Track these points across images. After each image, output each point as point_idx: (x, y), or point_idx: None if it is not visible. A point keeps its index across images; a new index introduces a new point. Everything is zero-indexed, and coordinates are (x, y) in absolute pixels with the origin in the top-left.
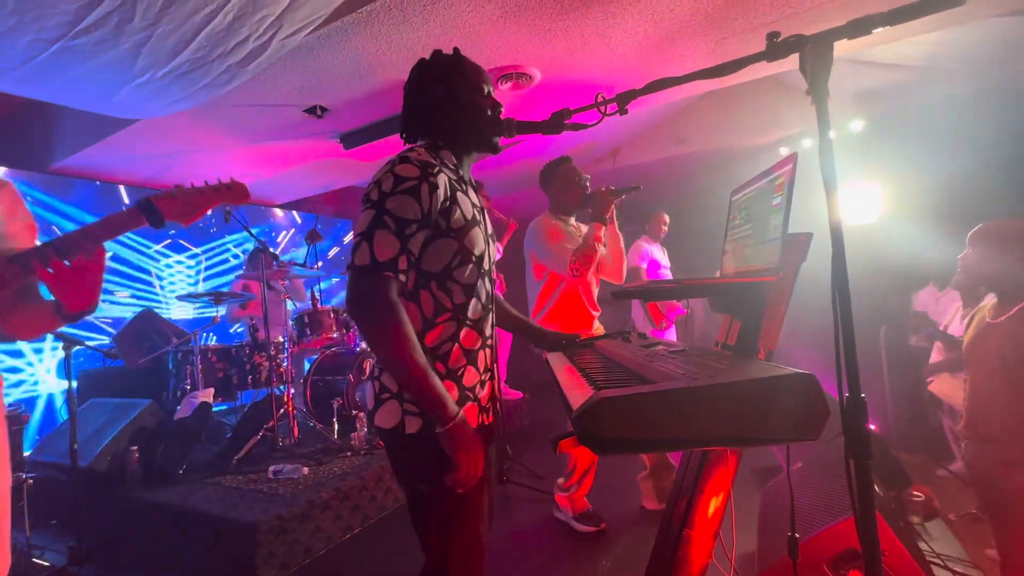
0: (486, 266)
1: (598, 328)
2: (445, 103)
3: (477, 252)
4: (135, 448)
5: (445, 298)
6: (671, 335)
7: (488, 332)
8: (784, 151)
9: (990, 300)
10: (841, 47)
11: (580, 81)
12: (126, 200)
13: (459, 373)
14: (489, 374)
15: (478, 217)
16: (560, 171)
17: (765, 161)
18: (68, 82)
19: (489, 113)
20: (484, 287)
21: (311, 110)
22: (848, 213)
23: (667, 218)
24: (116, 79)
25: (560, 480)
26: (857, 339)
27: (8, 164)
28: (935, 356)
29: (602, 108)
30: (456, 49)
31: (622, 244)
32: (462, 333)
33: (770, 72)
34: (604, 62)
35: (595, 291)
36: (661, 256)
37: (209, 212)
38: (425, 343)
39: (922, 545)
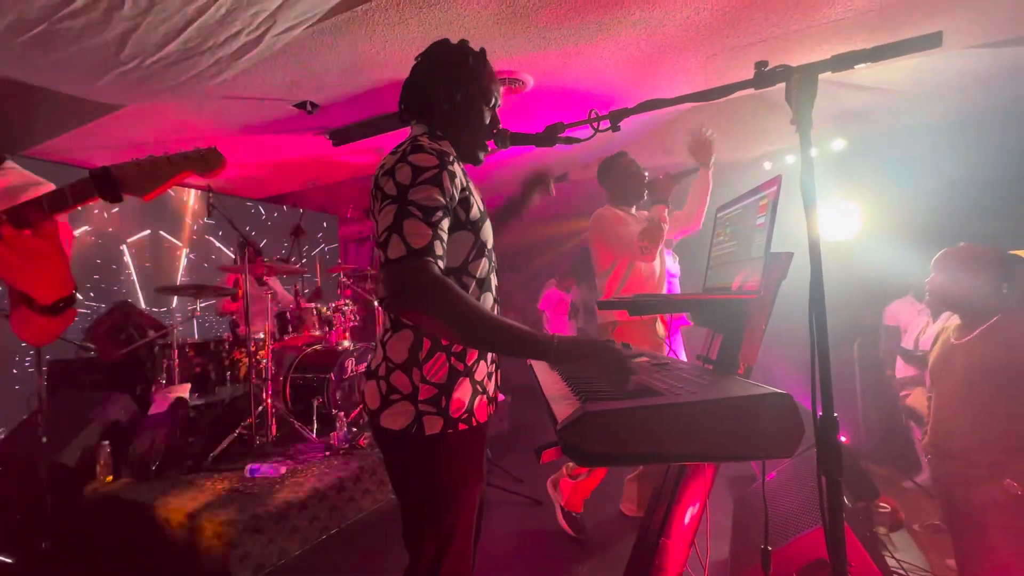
0: (495, 260)
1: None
2: (448, 102)
3: (489, 246)
4: (107, 443)
5: None
6: (678, 343)
7: None
8: (768, 166)
9: (953, 320)
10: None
11: (572, 89)
12: None
13: (473, 369)
14: (495, 365)
15: (486, 212)
16: (618, 165)
17: (749, 175)
18: (50, 65)
19: (486, 127)
20: (494, 281)
21: (301, 105)
22: (827, 229)
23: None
24: (101, 64)
25: (571, 463)
26: (832, 352)
27: None
28: (899, 368)
29: (595, 124)
30: (483, 49)
31: (708, 188)
32: None
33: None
34: (596, 72)
35: (661, 281)
36: (672, 264)
37: (173, 186)
38: (442, 341)
39: (887, 555)
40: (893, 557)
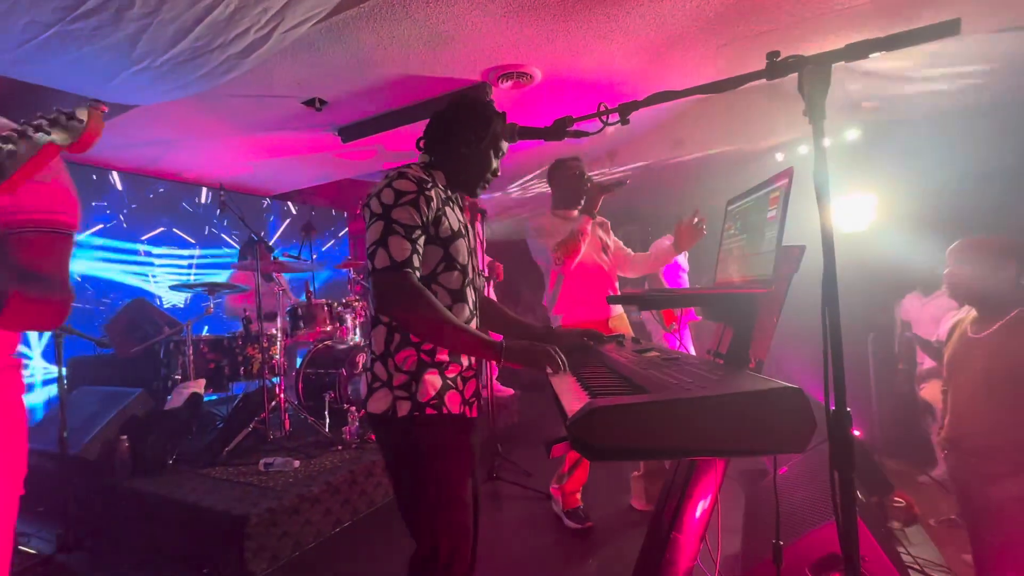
0: (470, 275)
1: (619, 316)
2: (466, 146)
3: (461, 261)
4: (125, 437)
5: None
6: (687, 339)
7: None
8: (780, 157)
9: (970, 313)
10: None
11: (581, 82)
12: (119, 187)
13: (443, 366)
14: (473, 372)
15: (463, 231)
16: (563, 168)
17: (761, 166)
18: (63, 66)
19: (491, 172)
20: (470, 295)
21: (310, 102)
22: (840, 221)
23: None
24: (113, 65)
25: (557, 471)
26: (845, 346)
27: None
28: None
29: (604, 117)
30: (504, 113)
31: (666, 262)
32: None
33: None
34: (605, 64)
35: (610, 278)
36: (682, 260)
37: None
38: (411, 338)
39: (901, 550)
40: (908, 552)
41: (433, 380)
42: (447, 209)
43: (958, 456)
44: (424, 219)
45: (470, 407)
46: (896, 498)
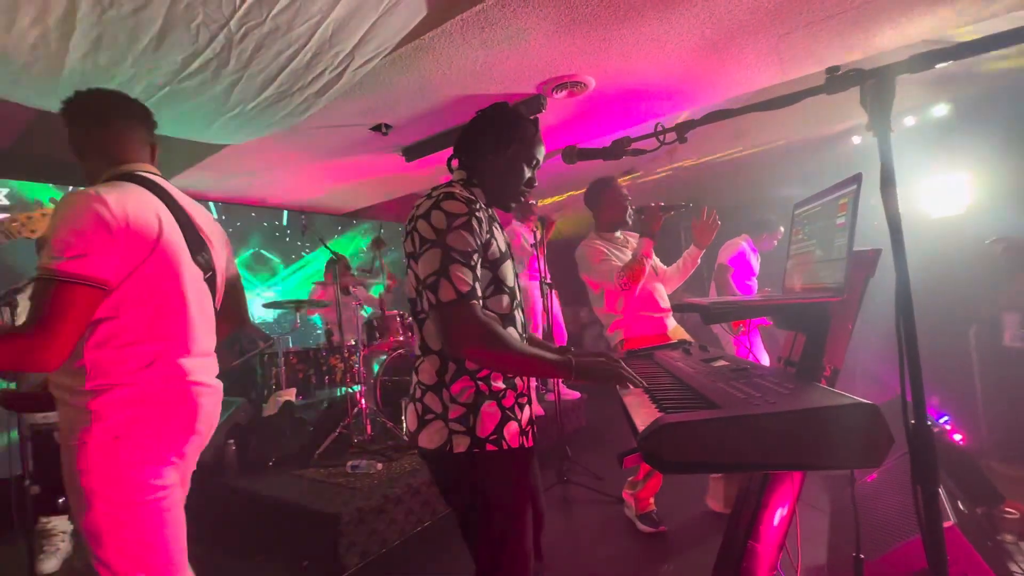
0: (518, 297)
1: (675, 328)
2: (500, 158)
3: (509, 284)
4: (232, 442)
5: None
6: (757, 344)
7: None
8: (857, 140)
9: None
10: (920, 30)
11: (635, 86)
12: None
13: (500, 395)
14: (527, 398)
15: (508, 252)
16: (606, 191)
17: (836, 151)
18: (172, 117)
19: (524, 183)
20: (518, 317)
21: (376, 128)
22: (931, 206)
23: (782, 233)
24: (212, 113)
25: (629, 477)
26: (945, 340)
27: None
28: None
29: (661, 137)
30: (536, 119)
31: (694, 266)
32: None
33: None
34: (660, 66)
35: (661, 292)
36: (755, 263)
37: None
38: (467, 365)
39: (1015, 567)
40: (1021, 569)
41: (492, 412)
42: (494, 229)
43: None
44: (477, 242)
45: (527, 436)
46: (1008, 508)
